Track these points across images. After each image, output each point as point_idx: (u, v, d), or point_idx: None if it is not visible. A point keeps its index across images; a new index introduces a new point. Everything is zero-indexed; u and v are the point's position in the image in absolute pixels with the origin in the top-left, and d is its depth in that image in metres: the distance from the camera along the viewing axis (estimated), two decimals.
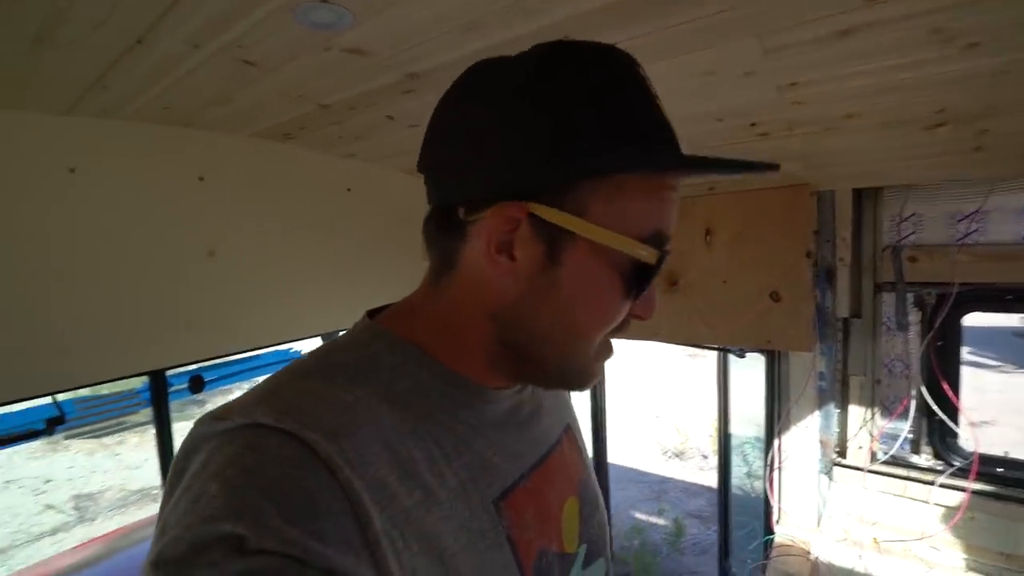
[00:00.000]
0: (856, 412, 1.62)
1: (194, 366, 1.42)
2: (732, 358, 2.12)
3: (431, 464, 0.40)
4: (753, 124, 1.15)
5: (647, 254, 0.41)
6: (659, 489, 5.37)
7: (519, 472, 0.47)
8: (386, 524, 0.34)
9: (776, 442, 1.73)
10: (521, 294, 0.42)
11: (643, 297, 0.44)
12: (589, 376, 0.46)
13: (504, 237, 0.41)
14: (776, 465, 1.74)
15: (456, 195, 0.43)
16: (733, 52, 0.82)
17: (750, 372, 2.03)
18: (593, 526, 0.55)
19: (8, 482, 6.03)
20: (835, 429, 1.64)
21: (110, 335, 1.12)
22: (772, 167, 0.44)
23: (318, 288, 1.47)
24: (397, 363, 0.44)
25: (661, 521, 4.66)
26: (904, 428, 1.56)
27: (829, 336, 1.58)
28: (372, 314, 0.49)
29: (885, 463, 1.59)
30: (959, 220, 1.44)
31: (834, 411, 1.63)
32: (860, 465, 1.59)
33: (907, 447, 1.59)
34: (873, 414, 1.60)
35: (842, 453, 1.66)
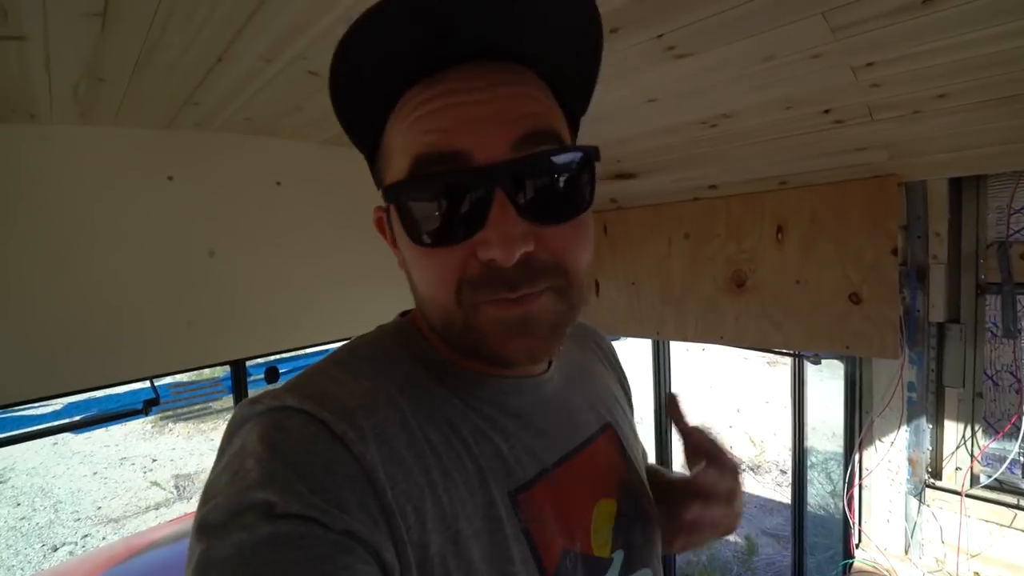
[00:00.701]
0: (953, 428, 1.44)
1: (272, 357, 1.54)
2: (809, 366, 1.97)
3: (449, 448, 0.41)
4: (827, 111, 1.07)
5: (384, 193, 0.41)
6: None
7: (540, 467, 0.45)
8: (400, 498, 0.36)
9: (856, 457, 1.58)
10: (408, 278, 0.45)
11: (480, 233, 0.36)
12: (490, 345, 0.40)
13: (390, 234, 0.45)
14: (856, 483, 1.59)
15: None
16: (796, 33, 0.77)
17: (835, 383, 1.88)
18: (636, 533, 0.51)
19: (123, 459, 6.84)
20: (928, 447, 1.48)
21: (198, 328, 1.24)
22: None
23: (381, 285, 1.54)
24: (415, 356, 0.46)
25: (732, 538, 4.40)
26: (1013, 448, 1.37)
27: (920, 342, 1.43)
28: (404, 314, 0.52)
29: (988, 487, 1.41)
30: None
31: (926, 426, 1.47)
32: (957, 488, 1.42)
33: (1017, 471, 1.40)
34: (974, 431, 1.42)
35: (935, 474, 1.49)
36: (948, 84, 0.92)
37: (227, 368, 1.45)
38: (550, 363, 0.52)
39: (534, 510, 0.43)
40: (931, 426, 1.47)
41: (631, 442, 0.58)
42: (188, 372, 1.38)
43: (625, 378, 0.68)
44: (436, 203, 0.37)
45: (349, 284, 1.49)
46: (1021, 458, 1.38)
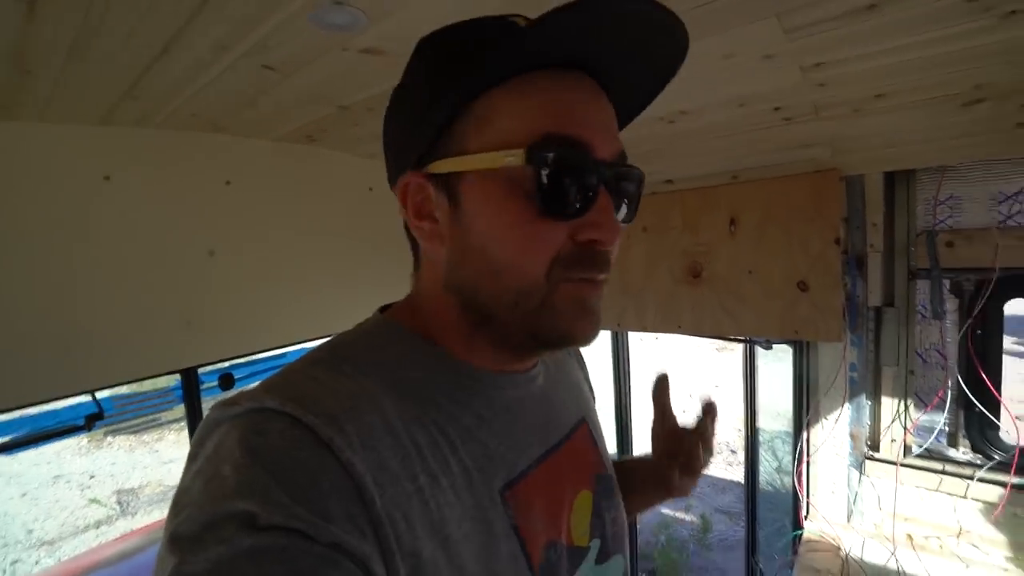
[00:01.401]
0: (889, 404, 1.57)
1: (225, 364, 1.47)
2: (759, 351, 2.08)
3: (436, 451, 0.40)
4: (777, 108, 1.12)
5: (516, 157, 0.39)
6: None
7: (527, 462, 0.47)
8: (389, 506, 0.35)
9: (804, 435, 1.69)
10: (452, 252, 0.44)
11: (588, 216, 0.40)
12: (560, 324, 0.42)
13: (420, 205, 0.44)
14: (804, 459, 1.70)
15: (392, 181, 0.48)
16: (752, 34, 0.80)
17: (779, 365, 1.99)
18: (608, 522, 0.54)
19: (56, 477, 6.35)
20: (867, 422, 1.60)
21: (143, 335, 1.17)
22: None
23: (344, 285, 1.49)
24: (403, 353, 0.45)
25: (688, 517, 4.61)
26: (940, 420, 1.50)
27: (860, 326, 1.53)
28: (384, 309, 0.51)
29: (920, 457, 1.54)
30: (1000, 201, 1.37)
31: (866, 403, 1.59)
32: (893, 459, 1.54)
33: (943, 440, 1.53)
34: (907, 406, 1.55)
35: (874, 446, 1.61)
36: (885, 85, 0.99)
37: (177, 377, 1.37)
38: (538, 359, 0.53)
39: (522, 504, 0.44)
40: (870, 403, 1.59)
41: (599, 434, 0.62)
42: (132, 384, 1.29)
43: (587, 371, 0.72)
44: (566, 177, 0.39)
45: (307, 286, 1.44)
46: (947, 429, 1.52)
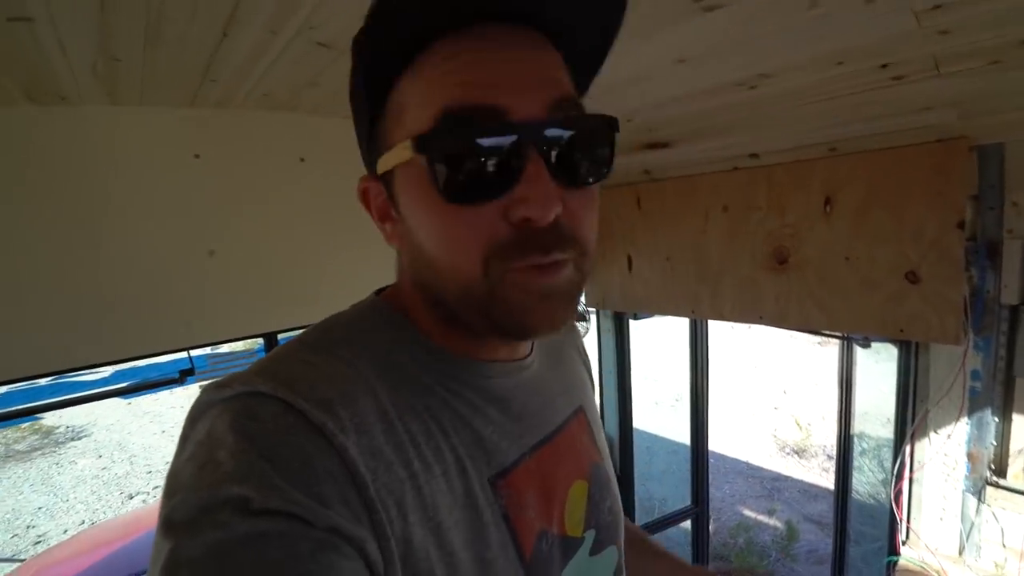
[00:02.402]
0: (1022, 423, 1.31)
1: (301, 330, 1.59)
2: (859, 348, 1.84)
3: (428, 438, 0.40)
4: (884, 65, 0.94)
5: (406, 148, 0.36)
6: (772, 487, 4.94)
7: (520, 451, 0.46)
8: (381, 491, 0.35)
9: (907, 448, 1.47)
10: (406, 251, 0.44)
11: (515, 191, 0.35)
12: (515, 317, 0.38)
13: (380, 208, 0.44)
14: (906, 476, 1.48)
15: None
16: None
17: (891, 366, 1.74)
18: (604, 512, 0.53)
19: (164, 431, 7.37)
20: (991, 441, 1.35)
21: (232, 302, 1.29)
22: None
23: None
24: (395, 338, 0.44)
25: (772, 522, 4.30)
26: None
27: (988, 327, 1.28)
28: (380, 291, 0.50)
29: None
30: None
31: (991, 419, 1.33)
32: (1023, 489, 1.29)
33: None
34: None
35: (999, 472, 1.36)
36: None
37: (260, 340, 1.50)
38: (532, 346, 0.51)
39: (513, 494, 0.43)
40: (996, 419, 1.34)
41: (597, 424, 0.60)
42: (224, 344, 1.44)
43: (587, 359, 0.69)
44: (470, 157, 0.35)
45: (373, 258, 1.49)
46: None
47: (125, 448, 6.78)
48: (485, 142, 0.35)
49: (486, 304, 0.38)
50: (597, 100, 0.85)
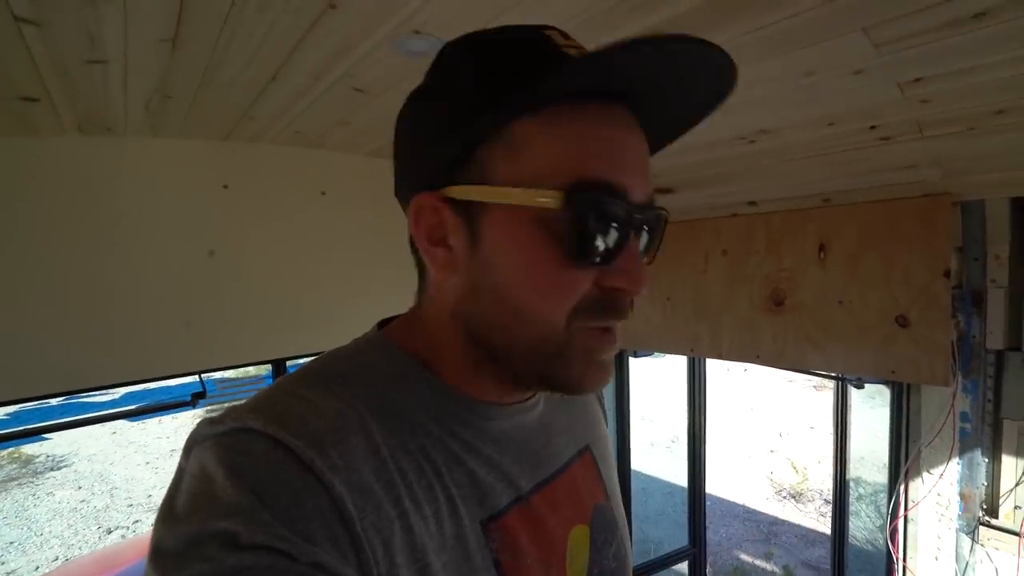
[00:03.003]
0: (1011, 464, 1.35)
1: (310, 359, 1.61)
2: (854, 392, 1.89)
3: (420, 477, 0.39)
4: (872, 127, 1.03)
5: (553, 200, 0.36)
6: (769, 531, 4.87)
7: (515, 494, 0.44)
8: (369, 530, 0.34)
9: (901, 488, 1.50)
10: (465, 283, 0.41)
11: (618, 263, 0.39)
12: (573, 374, 0.40)
13: (434, 230, 0.41)
14: (901, 515, 1.51)
15: (402, 202, 0.45)
16: (837, 48, 0.75)
17: (886, 411, 1.79)
18: (608, 557, 0.51)
19: (173, 451, 7.20)
20: (982, 482, 1.38)
21: (245, 327, 1.32)
22: (709, 44, 0.36)
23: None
24: (394, 375, 0.43)
25: (769, 566, 4.22)
26: None
27: (976, 370, 1.34)
28: (383, 324, 0.49)
29: None
30: None
31: (981, 460, 1.38)
32: (1015, 528, 1.32)
33: None
34: None
35: (991, 512, 1.39)
36: (1007, 99, 0.88)
37: (269, 367, 1.52)
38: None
39: (506, 539, 0.42)
40: (987, 460, 1.38)
41: (607, 462, 0.58)
42: (233, 369, 1.46)
43: (601, 393, 0.67)
44: (598, 225, 0.38)
45: (388, 291, 1.54)
46: None
47: (106, 479, 6.55)
48: (613, 216, 0.38)
49: (554, 355, 0.40)
50: None
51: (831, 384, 2.13)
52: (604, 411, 0.65)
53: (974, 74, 0.81)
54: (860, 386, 1.61)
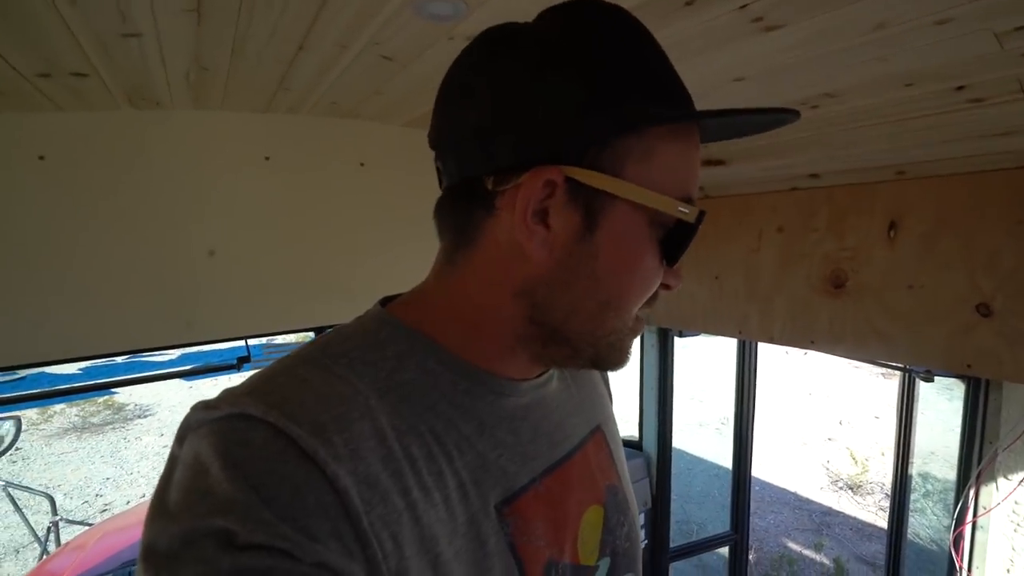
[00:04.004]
0: None
1: None
2: (922, 382, 1.73)
3: (430, 462, 0.37)
4: (960, 87, 0.90)
5: (689, 213, 0.40)
6: (821, 521, 4.67)
7: (529, 476, 0.43)
8: (376, 524, 0.33)
9: (971, 492, 1.37)
10: (555, 266, 0.40)
11: (676, 266, 0.44)
12: (623, 354, 0.45)
13: (539, 204, 0.38)
14: (968, 520, 1.38)
15: (483, 165, 0.40)
16: None
17: (958, 404, 1.64)
18: (620, 537, 0.50)
19: None
20: None
21: (290, 294, 1.37)
22: (790, 112, 0.40)
23: None
24: (403, 351, 0.41)
25: (819, 557, 4.06)
26: None
27: None
28: (386, 301, 0.47)
29: None
30: None
31: None
32: None
33: None
34: None
35: None
36: None
37: (312, 334, 1.59)
38: None
39: (521, 521, 0.41)
40: None
41: (616, 441, 0.58)
42: (279, 335, 1.53)
43: (606, 374, 0.66)
44: (688, 237, 0.42)
45: (427, 261, 1.55)
46: None
47: None
48: (695, 231, 0.42)
49: (618, 339, 0.44)
50: None
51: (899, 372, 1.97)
52: (609, 390, 0.64)
53: None
54: (929, 379, 1.47)
